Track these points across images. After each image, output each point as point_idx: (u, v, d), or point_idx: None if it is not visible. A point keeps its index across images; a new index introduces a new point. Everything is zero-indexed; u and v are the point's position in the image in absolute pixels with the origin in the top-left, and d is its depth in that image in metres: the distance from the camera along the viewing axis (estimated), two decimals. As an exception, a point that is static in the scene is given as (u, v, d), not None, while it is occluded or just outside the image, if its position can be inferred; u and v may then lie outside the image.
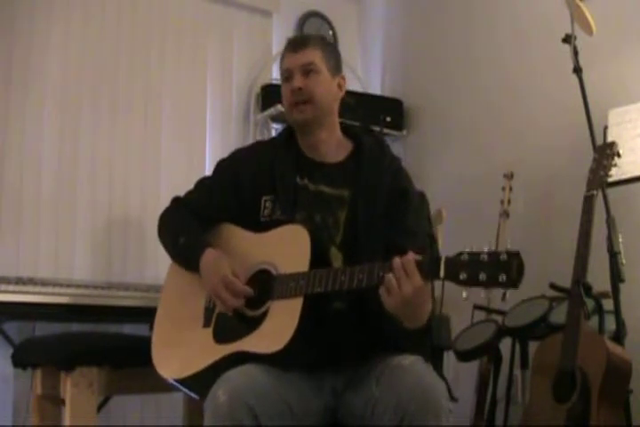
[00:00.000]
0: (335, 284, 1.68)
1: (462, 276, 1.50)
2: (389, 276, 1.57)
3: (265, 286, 1.82)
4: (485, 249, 1.50)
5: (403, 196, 1.93)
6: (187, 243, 1.96)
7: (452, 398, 1.68)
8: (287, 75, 1.96)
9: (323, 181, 1.95)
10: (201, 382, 1.80)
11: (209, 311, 1.91)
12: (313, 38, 2.03)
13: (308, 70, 1.94)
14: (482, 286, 1.49)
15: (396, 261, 1.58)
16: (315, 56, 1.96)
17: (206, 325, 1.89)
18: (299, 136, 2.02)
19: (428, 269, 1.56)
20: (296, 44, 1.99)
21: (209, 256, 1.89)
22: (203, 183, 2.11)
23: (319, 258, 1.80)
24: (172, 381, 1.88)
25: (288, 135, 2.05)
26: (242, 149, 2.16)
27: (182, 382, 1.86)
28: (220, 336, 1.84)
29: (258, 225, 1.93)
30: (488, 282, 1.47)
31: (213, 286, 1.84)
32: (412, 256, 1.58)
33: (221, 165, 2.09)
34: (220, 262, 1.87)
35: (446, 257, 1.53)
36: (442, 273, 1.53)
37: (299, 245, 1.80)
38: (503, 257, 1.46)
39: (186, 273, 1.99)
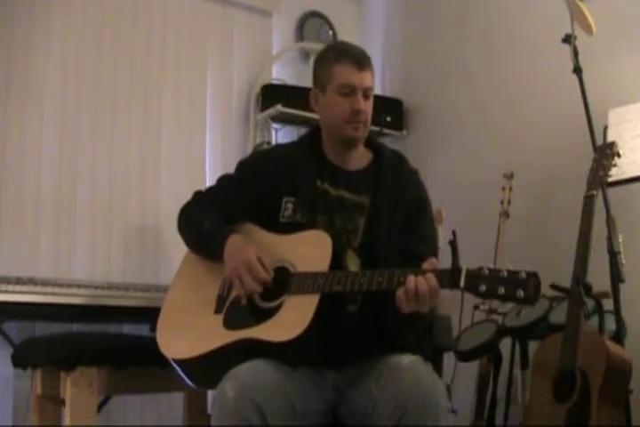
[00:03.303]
0: (354, 285, 1.72)
1: (482, 288, 1.57)
2: (410, 278, 1.64)
3: (282, 281, 1.84)
4: (505, 267, 1.58)
5: (421, 206, 1.99)
6: (212, 228, 1.98)
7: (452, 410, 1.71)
8: (349, 91, 1.93)
9: (344, 186, 1.98)
10: (203, 366, 1.82)
11: (222, 299, 1.92)
12: (369, 58, 1.99)
13: (367, 94, 1.95)
14: (499, 299, 1.57)
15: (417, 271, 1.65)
16: (372, 79, 1.97)
17: (218, 311, 1.90)
18: (329, 144, 2.03)
19: (449, 278, 1.61)
20: (359, 61, 1.94)
21: (235, 240, 1.91)
22: (224, 180, 2.13)
23: (335, 260, 1.83)
24: (173, 362, 1.87)
25: (311, 138, 2.06)
26: (263, 150, 2.22)
27: (184, 363, 1.86)
28: (231, 323, 1.85)
29: (277, 225, 1.95)
30: (506, 296, 1.55)
31: (236, 267, 1.85)
32: (432, 265, 1.67)
33: (243, 165, 2.12)
34: (245, 247, 1.89)
35: (467, 269, 1.60)
36: (462, 283, 1.59)
37: (320, 249, 1.83)
38: (522, 275, 1.55)
39: (201, 262, 2.01)
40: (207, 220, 2.00)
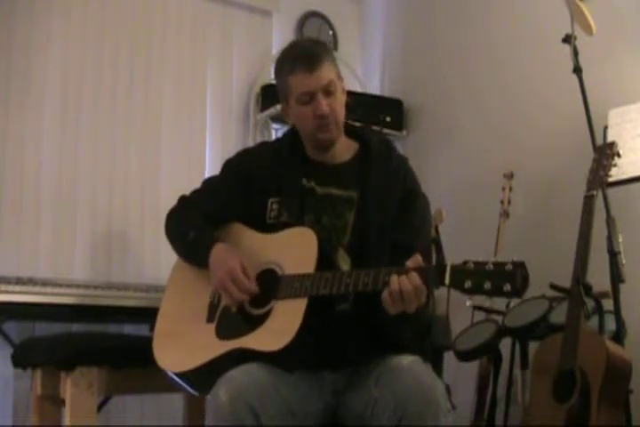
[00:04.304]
0: (340, 286, 1.69)
1: (467, 284, 1.53)
2: (394, 278, 1.61)
3: (270, 285, 1.83)
4: (491, 259, 1.53)
5: (410, 196, 1.95)
6: (197, 237, 1.97)
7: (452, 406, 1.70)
8: (308, 98, 1.87)
9: (330, 182, 1.95)
10: (201, 376, 1.82)
11: (213, 307, 1.92)
12: (321, 51, 1.91)
13: (329, 90, 1.87)
14: (486, 295, 1.53)
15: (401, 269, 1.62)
16: (330, 72, 1.89)
17: (209, 320, 1.90)
18: (308, 143, 2.00)
19: (434, 276, 1.58)
20: (310, 63, 1.86)
21: (219, 250, 1.90)
22: (209, 183, 2.11)
23: (327, 260, 1.81)
24: (171, 374, 1.88)
25: (292, 137, 2.04)
26: (248, 149, 2.18)
27: (182, 375, 1.87)
28: (223, 332, 1.85)
29: (264, 227, 1.94)
30: (493, 291, 1.51)
31: (221, 277, 1.84)
32: (416, 262, 1.63)
33: (229, 166, 2.09)
34: (229, 256, 1.88)
35: (452, 265, 1.56)
36: (447, 281, 1.56)
37: (306, 248, 1.81)
38: (508, 267, 1.50)
39: (191, 269, 2.01)
40: (192, 229, 1.99)
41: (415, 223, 1.92)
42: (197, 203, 2.07)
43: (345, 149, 2.00)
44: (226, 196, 2.02)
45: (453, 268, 1.56)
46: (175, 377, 1.89)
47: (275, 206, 1.94)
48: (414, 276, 1.60)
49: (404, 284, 1.60)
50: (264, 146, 2.17)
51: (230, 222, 2.02)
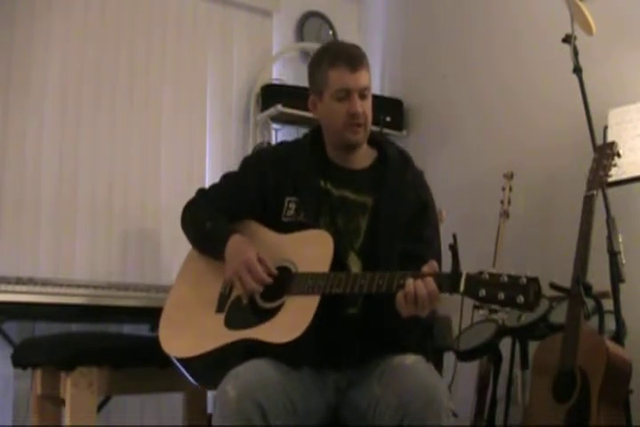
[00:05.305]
0: (354, 287, 1.71)
1: (481, 293, 1.56)
2: (409, 281, 1.64)
3: (283, 281, 1.84)
4: (498, 270, 1.57)
5: (424, 209, 1.97)
6: (214, 227, 1.99)
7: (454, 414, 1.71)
8: (344, 94, 1.91)
9: (346, 186, 1.97)
10: (205, 365, 1.84)
11: (223, 297, 1.93)
12: (363, 57, 1.95)
13: (364, 94, 1.92)
14: (499, 305, 1.55)
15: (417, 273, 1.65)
16: (367, 78, 1.94)
17: (219, 310, 1.91)
18: (331, 146, 2.02)
19: (449, 282, 1.61)
20: (353, 63, 1.91)
21: (236, 240, 1.92)
22: (228, 178, 2.13)
23: (338, 262, 1.83)
24: (175, 360, 1.88)
25: (314, 138, 2.05)
26: (267, 148, 2.21)
27: (186, 362, 1.87)
28: (232, 322, 1.86)
29: (279, 225, 1.95)
30: (506, 302, 1.54)
31: (236, 267, 1.85)
32: (432, 268, 1.65)
33: (247, 163, 2.11)
34: (246, 247, 1.89)
35: (467, 273, 1.59)
36: (462, 288, 1.58)
37: (322, 249, 1.83)
38: (522, 280, 1.54)
39: (204, 260, 2.02)
40: (209, 219, 2.01)
41: (427, 235, 1.95)
42: (214, 197, 2.08)
43: (364, 156, 2.02)
44: (243, 192, 2.03)
45: (468, 276, 1.58)
46: (179, 364, 1.89)
47: (291, 205, 1.96)
48: (430, 281, 1.62)
49: (419, 288, 1.62)
50: (283, 145, 2.20)
51: (245, 220, 2.03)
